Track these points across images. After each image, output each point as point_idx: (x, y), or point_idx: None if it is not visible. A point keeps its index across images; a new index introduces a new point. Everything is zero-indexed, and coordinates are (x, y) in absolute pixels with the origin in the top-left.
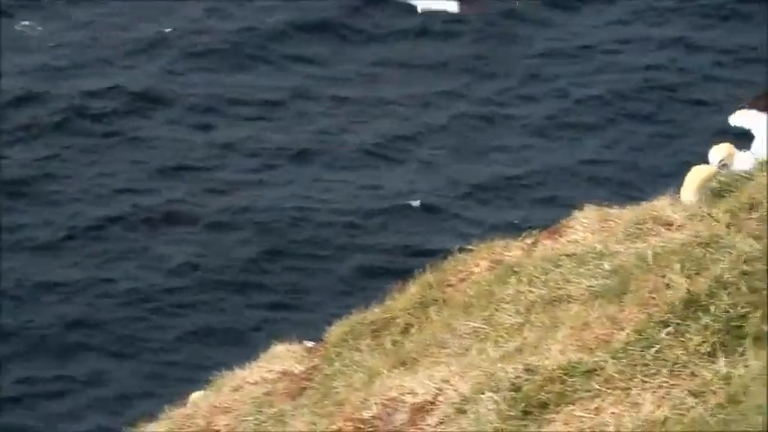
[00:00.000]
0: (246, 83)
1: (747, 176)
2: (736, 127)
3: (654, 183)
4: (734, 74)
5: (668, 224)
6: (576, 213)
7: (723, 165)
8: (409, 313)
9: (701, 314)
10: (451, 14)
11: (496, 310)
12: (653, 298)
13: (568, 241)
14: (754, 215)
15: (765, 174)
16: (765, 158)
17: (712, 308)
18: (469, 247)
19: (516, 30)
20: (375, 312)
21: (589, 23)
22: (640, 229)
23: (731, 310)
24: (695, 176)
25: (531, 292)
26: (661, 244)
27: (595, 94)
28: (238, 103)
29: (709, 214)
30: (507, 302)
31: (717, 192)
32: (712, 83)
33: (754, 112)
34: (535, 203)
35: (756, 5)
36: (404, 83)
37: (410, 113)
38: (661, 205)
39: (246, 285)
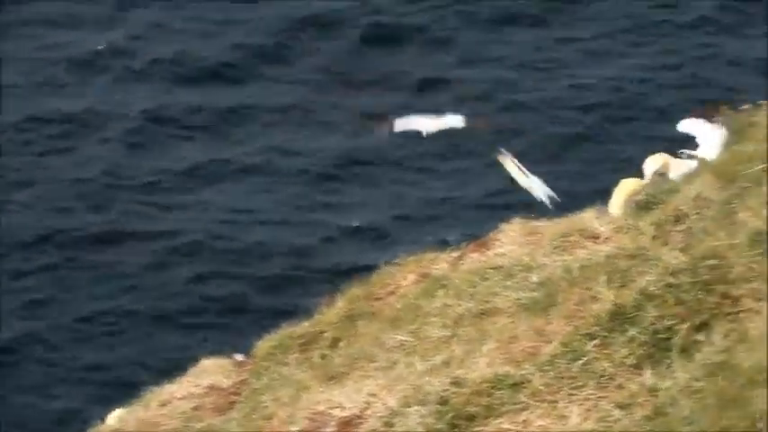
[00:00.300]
0: (190, 101)
1: (674, 188)
2: (682, 134)
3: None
4: (683, 84)
5: (594, 237)
6: (503, 226)
7: (660, 175)
8: (337, 327)
9: (627, 326)
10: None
11: (424, 323)
12: (579, 310)
13: (495, 254)
14: (680, 227)
15: (691, 186)
16: (697, 165)
17: (639, 320)
18: (397, 260)
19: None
20: (303, 326)
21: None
22: (567, 241)
23: (657, 323)
24: (623, 189)
25: (458, 305)
26: (587, 256)
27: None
28: (177, 123)
29: (635, 227)
30: (435, 316)
31: (643, 204)
32: (658, 95)
33: (700, 120)
34: (472, 222)
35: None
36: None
37: (351, 134)
38: (587, 218)
39: (179, 303)
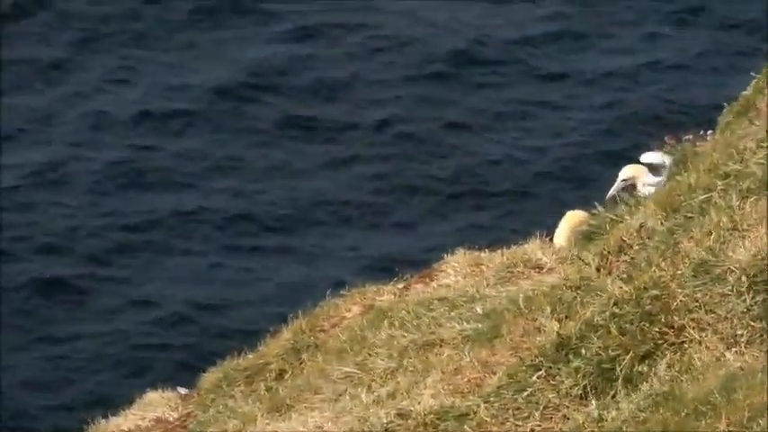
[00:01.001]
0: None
1: (617, 219)
2: (647, 164)
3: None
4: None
5: (539, 267)
6: (447, 257)
7: (629, 184)
8: (282, 359)
9: (571, 357)
10: None
11: (369, 354)
12: (524, 342)
13: (440, 285)
14: (624, 257)
15: (635, 216)
16: (637, 198)
17: (583, 351)
18: (341, 292)
19: None
20: (248, 358)
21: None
22: (511, 272)
23: (602, 353)
24: (568, 220)
25: (403, 336)
26: (532, 287)
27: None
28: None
29: (578, 257)
30: (380, 347)
31: (587, 235)
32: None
33: (661, 153)
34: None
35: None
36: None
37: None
38: (531, 249)
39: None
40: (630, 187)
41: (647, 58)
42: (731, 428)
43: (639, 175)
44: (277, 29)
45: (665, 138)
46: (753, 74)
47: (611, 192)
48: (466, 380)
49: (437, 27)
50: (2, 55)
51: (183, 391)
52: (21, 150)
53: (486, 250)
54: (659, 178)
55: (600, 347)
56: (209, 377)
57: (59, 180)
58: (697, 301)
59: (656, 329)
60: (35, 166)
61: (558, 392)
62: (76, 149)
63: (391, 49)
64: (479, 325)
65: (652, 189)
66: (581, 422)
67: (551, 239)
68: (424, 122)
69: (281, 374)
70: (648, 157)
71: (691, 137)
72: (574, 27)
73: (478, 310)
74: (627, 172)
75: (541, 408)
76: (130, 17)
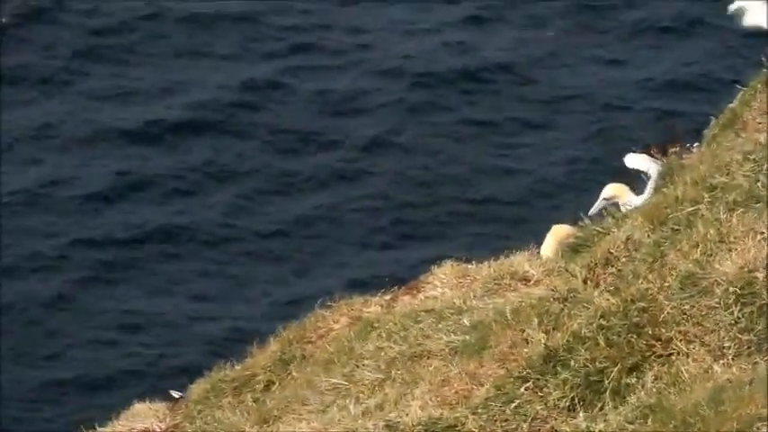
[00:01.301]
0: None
1: (604, 231)
2: (632, 169)
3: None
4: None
5: (526, 279)
6: (435, 269)
7: (610, 203)
8: (270, 370)
9: (559, 369)
10: None
11: (357, 366)
12: (512, 353)
13: (427, 297)
14: (611, 270)
15: (622, 228)
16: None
17: (571, 363)
18: (329, 303)
19: None
20: (236, 369)
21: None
22: (498, 284)
23: (590, 365)
24: (554, 234)
25: (391, 348)
26: (519, 299)
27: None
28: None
29: (566, 269)
30: (367, 358)
31: (574, 247)
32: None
33: (646, 156)
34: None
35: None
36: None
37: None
38: (518, 261)
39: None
40: (612, 206)
41: (640, 74)
42: None
43: (622, 194)
44: (274, 45)
45: (652, 149)
46: (738, 86)
47: (593, 210)
48: (454, 391)
49: (434, 45)
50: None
51: (176, 394)
52: (16, 164)
53: (474, 262)
54: (640, 198)
55: (587, 359)
56: (197, 388)
57: (52, 195)
58: (684, 314)
59: (644, 341)
60: (30, 181)
61: (545, 404)
62: (71, 163)
63: (387, 66)
64: (467, 337)
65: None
66: None
67: (538, 252)
68: (418, 138)
69: (268, 386)
70: (632, 160)
71: (677, 149)
72: (567, 44)
73: (466, 321)
74: (609, 191)
75: (529, 419)
76: (128, 30)
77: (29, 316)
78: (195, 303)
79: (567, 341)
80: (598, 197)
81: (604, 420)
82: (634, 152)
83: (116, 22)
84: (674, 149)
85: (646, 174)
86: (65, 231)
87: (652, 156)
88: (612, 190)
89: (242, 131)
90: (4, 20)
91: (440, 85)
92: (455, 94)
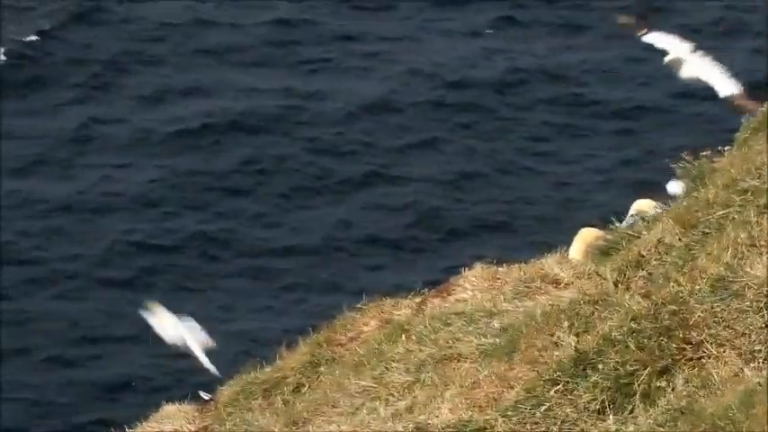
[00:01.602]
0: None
1: (634, 234)
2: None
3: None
4: None
5: (556, 282)
6: (465, 272)
7: (637, 217)
8: (300, 372)
9: (589, 372)
10: None
11: (387, 368)
12: (542, 356)
13: (457, 300)
14: (642, 273)
15: (653, 231)
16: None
17: (601, 366)
18: (359, 306)
19: None
20: (266, 372)
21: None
22: (529, 287)
23: (620, 368)
24: (583, 237)
25: (420, 350)
26: (549, 302)
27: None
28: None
29: (596, 272)
30: (397, 361)
31: (604, 250)
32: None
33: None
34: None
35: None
36: None
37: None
38: (549, 264)
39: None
40: (639, 219)
41: (669, 88)
42: None
43: (650, 210)
44: (310, 50)
45: (683, 155)
46: None
47: (624, 224)
48: (483, 394)
49: (461, 56)
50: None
51: (205, 396)
52: (57, 168)
53: (504, 265)
54: None
55: (618, 362)
56: (227, 391)
57: (92, 200)
58: (715, 317)
59: (674, 345)
60: (71, 185)
61: (575, 407)
62: (113, 165)
63: (422, 70)
64: (497, 339)
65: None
66: None
67: (568, 255)
68: (445, 146)
69: (298, 388)
70: (675, 186)
71: (708, 153)
72: (599, 57)
73: (496, 324)
74: (637, 207)
75: (559, 422)
76: (166, 33)
77: (68, 319)
78: (229, 305)
79: (598, 344)
80: (627, 205)
81: (634, 423)
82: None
83: (154, 26)
84: (704, 153)
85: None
86: (104, 235)
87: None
88: (641, 205)
89: (278, 135)
90: (46, 26)
91: (473, 89)
92: (489, 97)
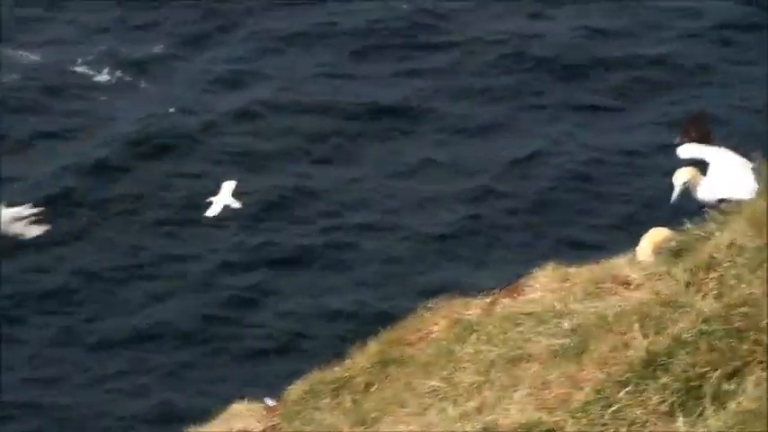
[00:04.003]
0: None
1: (706, 235)
2: (686, 159)
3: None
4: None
5: (627, 283)
6: (535, 272)
7: (688, 186)
8: (369, 372)
9: (660, 373)
10: None
11: (456, 369)
12: (612, 357)
13: (527, 300)
14: (713, 275)
15: (724, 233)
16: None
17: (671, 367)
18: (429, 305)
19: None
20: (335, 371)
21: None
22: (599, 288)
23: (690, 370)
24: (652, 237)
25: (490, 351)
26: (620, 303)
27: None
28: None
29: (667, 273)
30: (467, 361)
31: (675, 251)
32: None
33: (694, 145)
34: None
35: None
36: None
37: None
38: (619, 264)
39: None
40: (692, 187)
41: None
42: None
43: (695, 176)
44: (398, 66)
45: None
46: None
47: (674, 198)
48: (553, 395)
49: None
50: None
51: (270, 402)
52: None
53: (574, 266)
54: (709, 179)
55: (688, 364)
56: (296, 389)
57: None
58: None
59: (745, 347)
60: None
61: (645, 409)
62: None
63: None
64: (567, 340)
65: (710, 188)
66: None
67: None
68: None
69: (367, 387)
70: (685, 150)
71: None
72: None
73: (566, 325)
74: (683, 176)
75: (628, 424)
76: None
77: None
78: (297, 304)
79: (668, 346)
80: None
81: (704, 426)
82: (681, 143)
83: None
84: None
85: (702, 161)
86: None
87: (702, 141)
88: (686, 174)
89: (366, 155)
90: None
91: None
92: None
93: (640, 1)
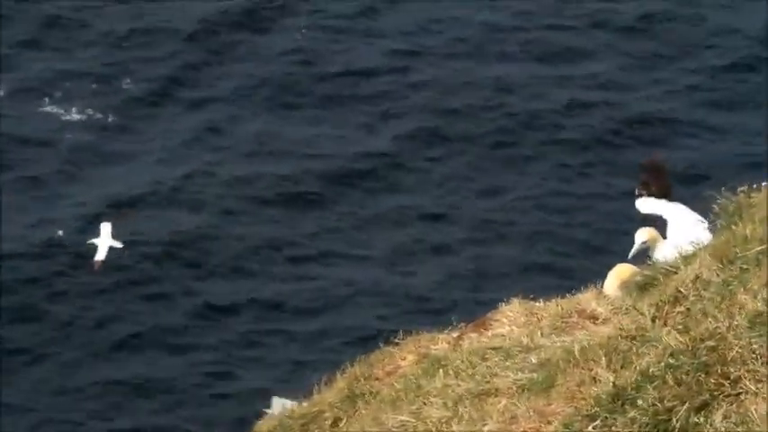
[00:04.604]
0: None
1: (672, 270)
2: (645, 214)
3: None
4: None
5: (594, 318)
6: (502, 306)
7: (647, 246)
8: (337, 407)
9: (628, 408)
10: None
11: (424, 403)
12: (580, 391)
13: (494, 335)
14: (680, 308)
15: (690, 267)
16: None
17: (639, 401)
18: (396, 340)
19: None
20: (303, 406)
21: None
22: (566, 322)
23: (658, 404)
24: (618, 273)
25: (458, 385)
26: (587, 337)
27: None
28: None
29: (634, 307)
30: (435, 396)
31: (641, 285)
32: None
33: (653, 199)
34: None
35: None
36: None
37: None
38: (586, 299)
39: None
40: (651, 248)
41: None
42: None
43: (655, 238)
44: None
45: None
46: None
47: (632, 254)
48: (522, 429)
49: None
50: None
51: None
52: None
53: (541, 300)
54: (668, 243)
55: (656, 398)
56: (264, 424)
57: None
58: (753, 353)
59: (713, 380)
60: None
61: None
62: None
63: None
64: (534, 374)
65: (666, 251)
66: None
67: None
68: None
69: (335, 423)
70: (643, 205)
71: (745, 188)
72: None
73: (533, 359)
74: (643, 235)
75: None
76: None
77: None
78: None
79: (636, 379)
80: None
81: None
82: (640, 196)
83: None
84: (741, 189)
85: (660, 217)
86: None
87: (661, 197)
88: (646, 234)
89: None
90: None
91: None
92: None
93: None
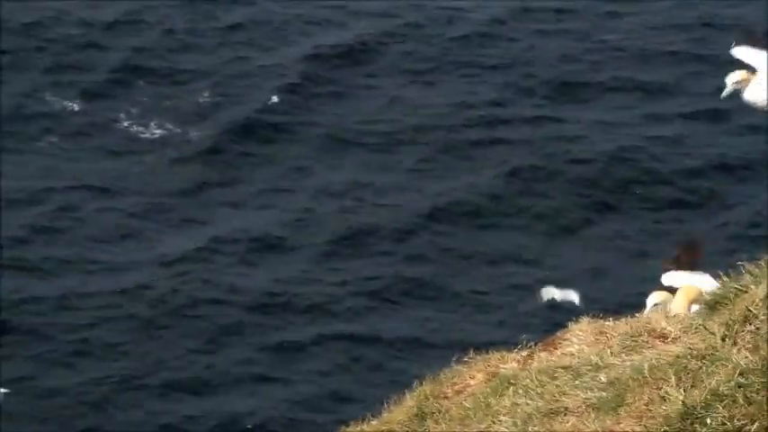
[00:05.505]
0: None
1: (742, 289)
2: (739, 60)
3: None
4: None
5: (663, 336)
6: (572, 325)
7: (740, 87)
8: (406, 426)
9: (697, 427)
10: None
11: (493, 422)
12: (649, 410)
13: (564, 353)
14: (749, 327)
15: (760, 286)
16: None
17: (709, 420)
18: (465, 359)
19: None
20: (372, 425)
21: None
22: (635, 341)
23: (728, 423)
24: (686, 292)
25: (527, 404)
26: (656, 356)
27: None
28: None
29: (704, 327)
30: (504, 414)
31: (711, 304)
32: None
33: (754, 49)
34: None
35: None
36: None
37: None
38: (656, 318)
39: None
40: (742, 88)
41: None
42: None
43: (747, 78)
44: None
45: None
46: None
47: (725, 95)
48: None
49: None
50: None
51: None
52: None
53: (610, 319)
54: (760, 84)
55: (725, 417)
56: None
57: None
58: None
59: None
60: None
61: None
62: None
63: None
64: (604, 393)
65: (758, 90)
66: None
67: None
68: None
69: None
70: (740, 51)
71: None
72: None
73: (603, 378)
74: (736, 76)
75: None
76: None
77: None
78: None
79: (705, 398)
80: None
81: None
82: (738, 44)
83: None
84: None
85: (752, 66)
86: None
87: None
88: (739, 75)
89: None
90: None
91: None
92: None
93: None
